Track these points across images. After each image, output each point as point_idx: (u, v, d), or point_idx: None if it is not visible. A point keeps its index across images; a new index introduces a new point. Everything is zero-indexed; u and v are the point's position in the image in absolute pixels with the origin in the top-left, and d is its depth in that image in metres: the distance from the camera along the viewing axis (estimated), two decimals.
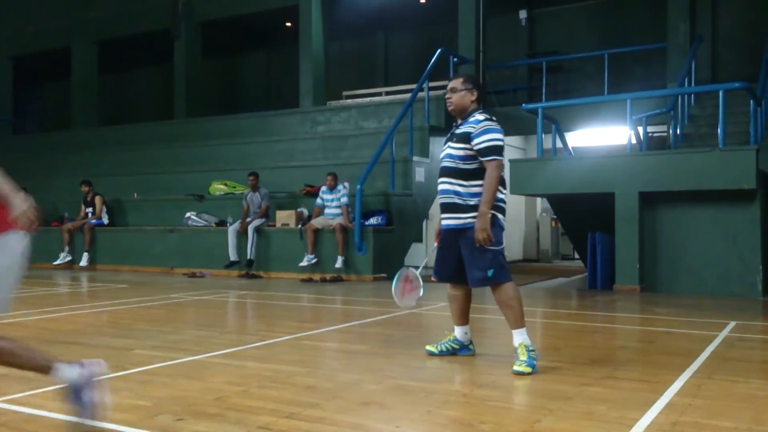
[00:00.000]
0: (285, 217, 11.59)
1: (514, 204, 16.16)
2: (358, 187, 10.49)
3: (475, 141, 4.17)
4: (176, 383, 3.83)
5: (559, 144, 10.88)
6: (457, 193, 4.22)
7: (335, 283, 10.35)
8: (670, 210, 9.07)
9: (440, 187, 4.35)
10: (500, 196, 4.24)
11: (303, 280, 10.56)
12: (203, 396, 3.53)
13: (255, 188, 11.78)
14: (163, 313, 7.09)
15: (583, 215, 10.51)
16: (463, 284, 4.38)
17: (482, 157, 4.16)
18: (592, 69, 14.62)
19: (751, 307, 7.68)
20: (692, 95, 11.63)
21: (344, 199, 10.95)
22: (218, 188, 13.29)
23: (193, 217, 12.78)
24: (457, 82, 4.36)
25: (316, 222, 10.94)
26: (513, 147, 16.17)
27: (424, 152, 12.24)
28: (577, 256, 14.08)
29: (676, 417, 3.18)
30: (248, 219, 11.58)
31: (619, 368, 4.32)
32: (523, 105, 10.66)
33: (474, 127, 4.20)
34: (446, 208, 4.31)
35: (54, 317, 6.69)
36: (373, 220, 10.95)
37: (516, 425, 3.06)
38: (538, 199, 16.00)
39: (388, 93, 16.18)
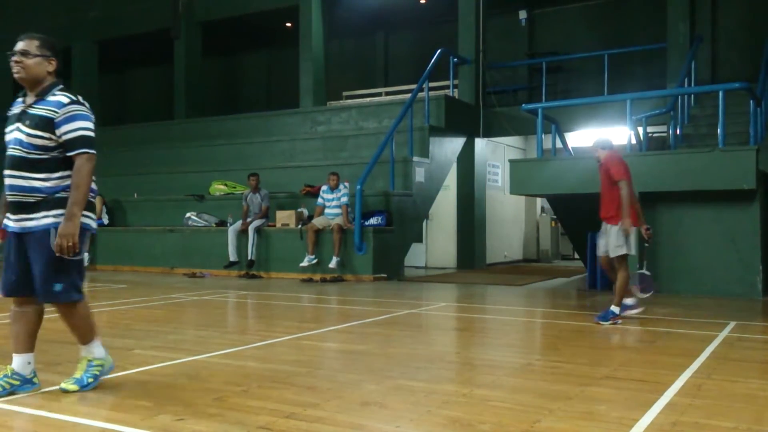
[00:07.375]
0: (285, 218, 11.59)
1: (514, 204, 16.15)
2: (358, 187, 10.49)
3: (61, 130, 3.51)
4: (176, 383, 3.83)
5: (559, 144, 10.88)
6: (34, 190, 3.48)
7: (335, 283, 10.35)
8: (670, 210, 9.06)
9: (9, 182, 3.53)
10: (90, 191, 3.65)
11: (303, 281, 10.56)
12: (203, 396, 3.53)
13: (256, 189, 11.76)
14: (163, 313, 7.09)
15: (583, 215, 10.48)
16: (32, 298, 3.60)
17: (70, 150, 3.52)
18: (592, 69, 14.61)
19: (751, 307, 7.68)
20: (692, 95, 11.62)
21: (344, 199, 10.95)
22: (218, 188, 13.30)
23: (193, 217, 12.78)
24: (31, 45, 3.55)
25: (317, 222, 10.94)
26: (513, 147, 16.16)
27: (424, 152, 12.23)
28: (577, 256, 14.06)
29: (676, 417, 3.19)
30: (248, 219, 11.57)
31: (619, 368, 4.32)
32: (523, 105, 10.65)
33: (57, 112, 3.51)
34: (18, 207, 3.52)
35: (54, 317, 6.65)
36: (373, 221, 10.95)
37: (516, 425, 3.06)
38: (538, 199, 15.98)
39: (388, 93, 16.18)
